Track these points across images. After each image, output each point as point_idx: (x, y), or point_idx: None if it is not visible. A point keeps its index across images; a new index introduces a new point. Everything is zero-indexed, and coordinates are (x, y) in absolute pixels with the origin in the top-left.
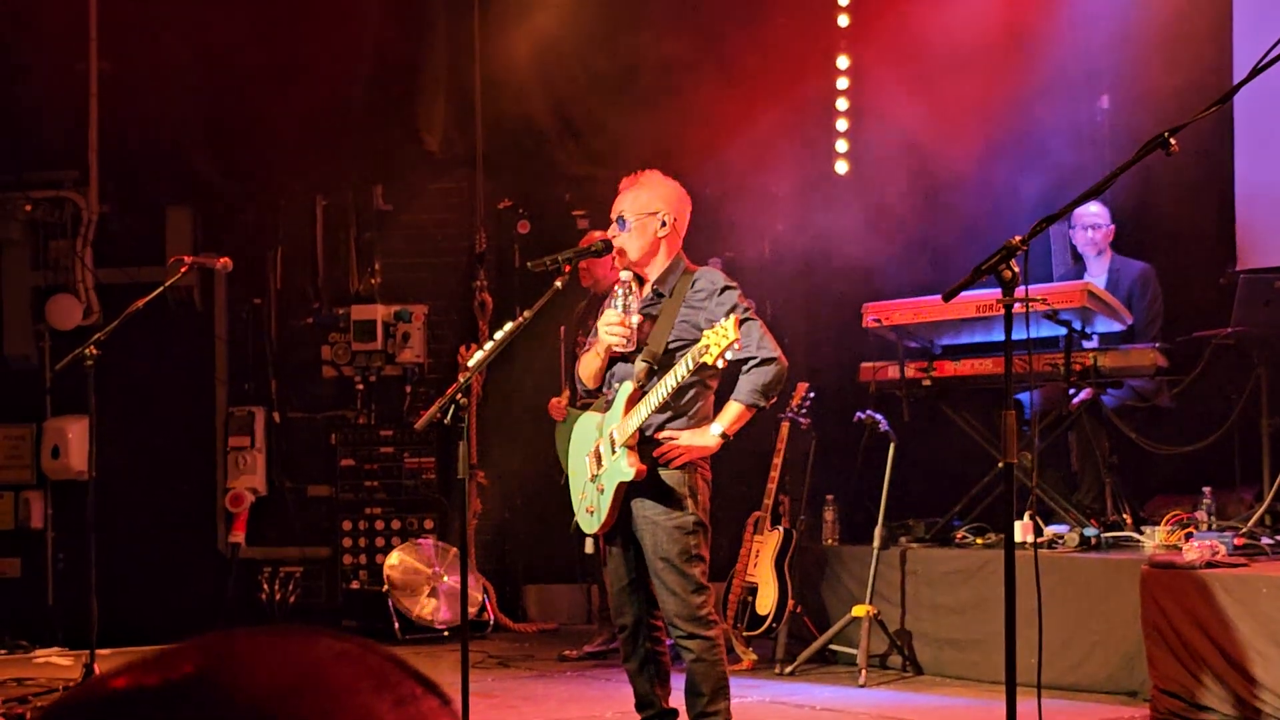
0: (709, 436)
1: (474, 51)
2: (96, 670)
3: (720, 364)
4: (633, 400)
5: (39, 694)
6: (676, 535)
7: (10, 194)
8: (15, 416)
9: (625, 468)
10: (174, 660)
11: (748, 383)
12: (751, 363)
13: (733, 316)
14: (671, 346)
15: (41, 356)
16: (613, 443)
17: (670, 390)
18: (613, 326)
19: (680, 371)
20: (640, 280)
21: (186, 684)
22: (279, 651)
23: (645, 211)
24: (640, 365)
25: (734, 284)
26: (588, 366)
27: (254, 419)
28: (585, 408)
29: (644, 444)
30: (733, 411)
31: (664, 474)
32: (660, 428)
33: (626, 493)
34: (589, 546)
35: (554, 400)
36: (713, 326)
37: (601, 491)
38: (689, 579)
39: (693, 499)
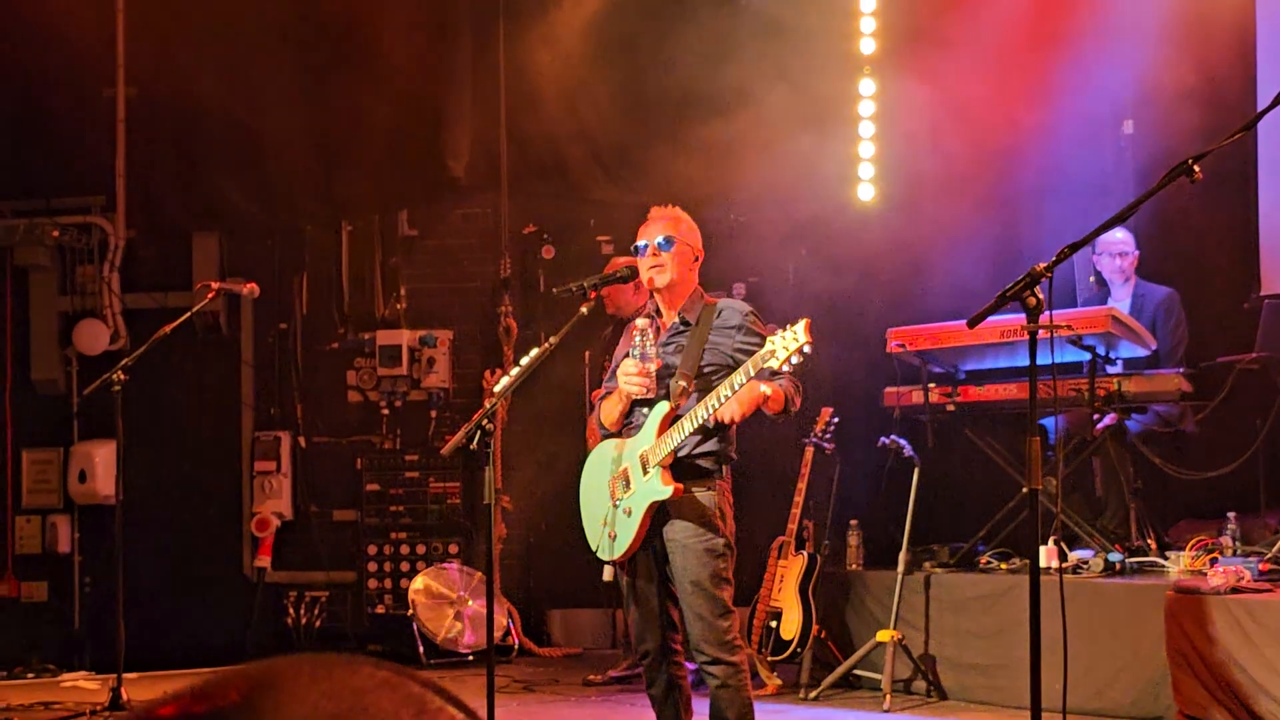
0: (758, 391)
1: (499, 77)
2: (123, 694)
3: (787, 368)
4: (667, 422)
5: (66, 718)
6: (707, 559)
7: (38, 220)
8: (43, 441)
9: (660, 487)
10: (220, 689)
11: (787, 379)
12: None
13: (804, 320)
14: (705, 370)
15: (69, 381)
16: (644, 464)
17: (723, 402)
18: (631, 376)
19: (738, 381)
20: (658, 312)
21: (232, 713)
22: (322, 680)
23: (684, 241)
24: (678, 385)
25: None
26: (609, 413)
27: (280, 443)
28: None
29: (674, 465)
30: (777, 387)
31: (698, 495)
32: (692, 449)
33: (655, 516)
34: (607, 574)
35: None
36: (775, 333)
37: (629, 515)
38: (718, 602)
39: (723, 520)
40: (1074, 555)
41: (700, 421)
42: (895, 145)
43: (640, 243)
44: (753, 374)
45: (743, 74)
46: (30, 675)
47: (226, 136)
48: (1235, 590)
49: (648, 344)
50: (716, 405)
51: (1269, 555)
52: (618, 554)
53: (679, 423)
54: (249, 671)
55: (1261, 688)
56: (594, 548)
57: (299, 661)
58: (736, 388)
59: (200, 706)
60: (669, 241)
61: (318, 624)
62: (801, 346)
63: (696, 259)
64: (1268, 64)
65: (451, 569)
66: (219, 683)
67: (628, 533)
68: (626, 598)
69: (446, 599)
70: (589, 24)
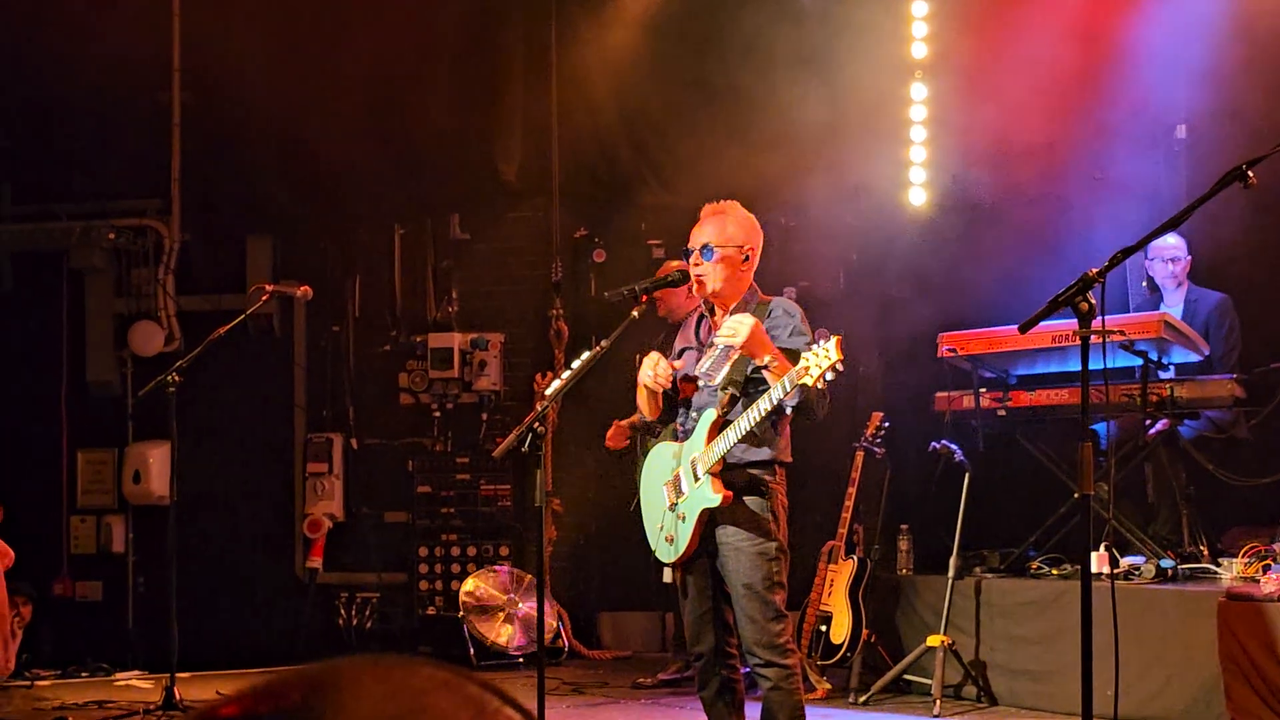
0: (767, 345)
1: (550, 82)
2: (176, 693)
3: (821, 385)
4: (715, 428)
5: (119, 717)
6: (759, 562)
7: (94, 222)
8: (98, 442)
9: (710, 494)
10: (281, 690)
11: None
12: None
13: (835, 337)
14: (754, 376)
15: (124, 383)
16: (695, 471)
17: (763, 413)
18: (646, 371)
19: (776, 395)
20: (711, 311)
21: (294, 713)
22: (382, 681)
23: (731, 244)
24: (723, 393)
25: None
26: (642, 404)
27: (332, 445)
28: (655, 435)
29: (726, 471)
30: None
31: (749, 501)
32: (743, 456)
33: (709, 520)
34: (667, 576)
35: (614, 428)
36: (809, 348)
37: (683, 520)
38: (770, 606)
39: (775, 524)
40: (1126, 561)
41: (745, 429)
42: (947, 150)
43: (688, 247)
44: (789, 389)
45: (795, 79)
46: (84, 674)
47: (280, 140)
48: None
49: (700, 359)
50: (758, 416)
51: None
52: (674, 557)
53: (726, 430)
54: (310, 672)
55: None
56: (654, 550)
57: (359, 662)
58: (774, 401)
59: (263, 707)
60: (709, 250)
61: (368, 625)
62: (835, 364)
63: (746, 259)
64: None
65: (502, 571)
66: (280, 683)
67: (683, 537)
68: (681, 599)
69: (497, 601)
70: (640, 29)
